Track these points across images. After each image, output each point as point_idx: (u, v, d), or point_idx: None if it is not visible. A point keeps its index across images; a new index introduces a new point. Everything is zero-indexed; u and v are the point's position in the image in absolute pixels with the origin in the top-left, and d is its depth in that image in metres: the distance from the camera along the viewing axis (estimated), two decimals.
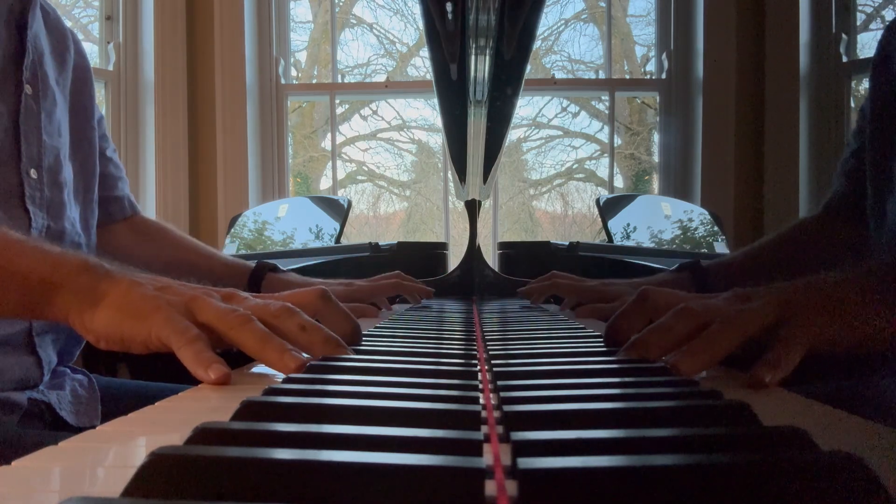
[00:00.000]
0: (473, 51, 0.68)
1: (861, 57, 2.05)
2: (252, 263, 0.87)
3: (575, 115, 2.51)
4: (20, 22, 0.68)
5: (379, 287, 0.89)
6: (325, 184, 2.46)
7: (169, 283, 0.48)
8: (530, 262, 1.25)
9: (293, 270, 0.95)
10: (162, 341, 0.43)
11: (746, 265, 0.87)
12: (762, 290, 0.47)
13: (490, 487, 0.20)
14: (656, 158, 2.38)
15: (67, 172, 0.73)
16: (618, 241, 1.60)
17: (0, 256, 0.47)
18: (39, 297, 0.47)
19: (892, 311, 0.44)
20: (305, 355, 0.43)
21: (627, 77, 2.46)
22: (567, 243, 1.27)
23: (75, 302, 0.46)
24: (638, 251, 1.50)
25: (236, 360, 0.47)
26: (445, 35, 0.63)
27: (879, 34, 0.81)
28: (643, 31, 2.45)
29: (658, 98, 2.33)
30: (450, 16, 0.60)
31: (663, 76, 2.28)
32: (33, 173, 0.67)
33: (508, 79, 0.76)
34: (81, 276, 0.47)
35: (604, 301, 0.81)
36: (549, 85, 2.37)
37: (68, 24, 0.82)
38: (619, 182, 2.40)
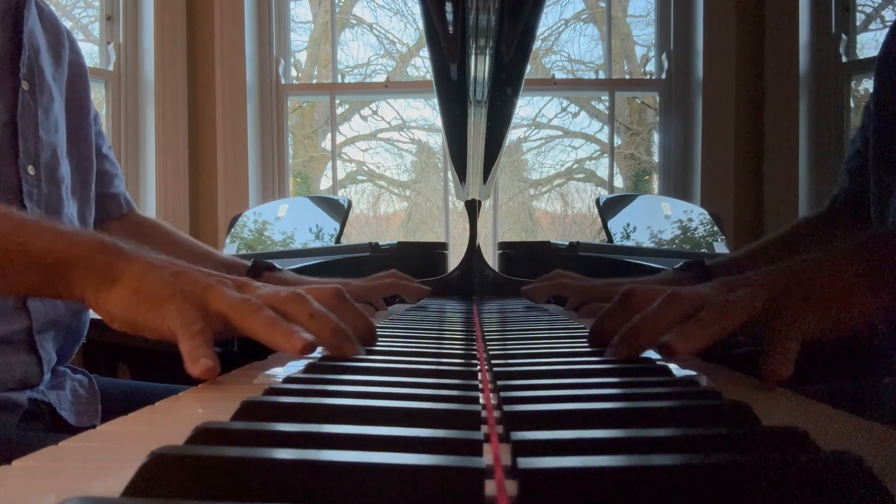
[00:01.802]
0: (473, 51, 0.68)
1: (861, 57, 2.05)
2: (248, 263, 0.87)
3: (575, 115, 2.51)
4: (16, 18, 0.68)
5: (375, 287, 0.88)
6: (325, 184, 2.46)
7: (185, 268, 0.47)
8: (530, 262, 1.25)
9: (293, 270, 0.95)
10: (172, 332, 0.43)
11: (751, 264, 0.86)
12: (746, 278, 0.47)
13: (490, 487, 0.20)
14: (656, 158, 2.38)
15: (65, 169, 0.73)
16: (618, 241, 1.60)
17: (16, 236, 0.47)
18: (56, 276, 0.47)
19: (878, 286, 0.44)
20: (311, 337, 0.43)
21: (627, 77, 2.46)
22: (567, 243, 1.27)
23: (91, 280, 0.46)
24: (638, 251, 1.50)
25: (237, 360, 0.47)
26: (445, 35, 0.62)
27: (880, 34, 0.81)
28: (643, 31, 2.45)
29: (658, 98, 2.33)
30: (450, 15, 0.60)
31: (663, 76, 2.28)
32: (31, 170, 0.67)
33: (508, 79, 0.76)
34: (97, 253, 0.47)
35: (608, 301, 0.80)
36: (549, 85, 2.37)
37: (68, 23, 0.82)
38: (619, 182, 2.40)
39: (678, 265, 0.87)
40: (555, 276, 0.91)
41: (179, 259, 0.48)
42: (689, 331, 0.41)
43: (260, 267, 0.86)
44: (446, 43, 0.64)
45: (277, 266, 0.87)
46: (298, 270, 1.08)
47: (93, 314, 0.81)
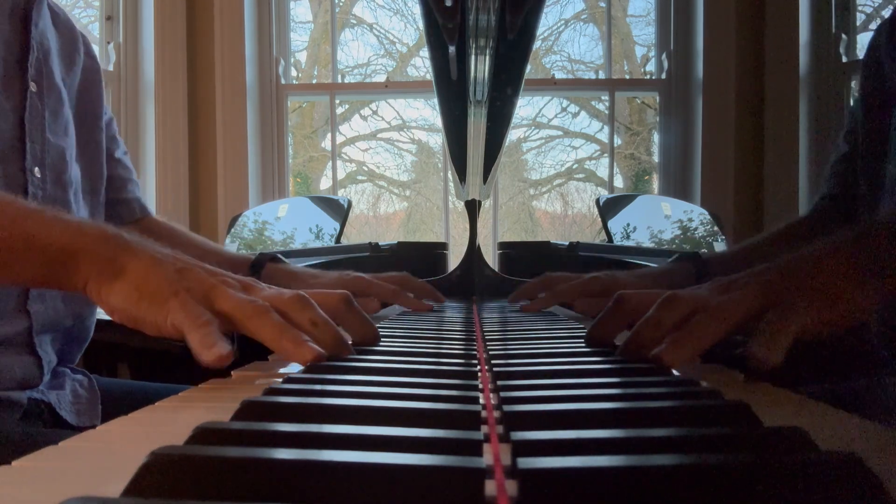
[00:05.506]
0: (473, 51, 0.68)
1: (861, 57, 2.05)
2: (254, 255, 0.86)
3: (575, 115, 2.51)
4: (24, 19, 0.68)
5: (377, 288, 0.81)
6: (325, 184, 2.46)
7: (190, 264, 0.47)
8: (530, 262, 1.25)
9: None
10: (175, 327, 0.43)
11: (748, 259, 0.85)
12: (742, 276, 0.46)
13: (490, 487, 0.20)
14: (656, 158, 2.38)
15: (73, 172, 0.73)
16: (618, 241, 1.60)
17: (19, 225, 0.47)
18: (58, 266, 0.47)
19: (875, 277, 0.44)
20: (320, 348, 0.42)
21: (627, 77, 2.46)
22: (567, 243, 1.27)
23: (94, 271, 0.46)
24: (638, 251, 1.50)
25: (236, 360, 0.46)
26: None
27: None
28: (643, 31, 2.45)
29: (658, 98, 2.33)
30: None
31: (663, 76, 2.28)
32: (37, 171, 0.67)
33: (508, 79, 0.76)
34: (101, 245, 0.46)
35: (607, 293, 0.78)
36: (549, 85, 2.37)
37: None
38: (619, 182, 2.40)
39: (673, 257, 0.86)
40: (545, 281, 0.84)
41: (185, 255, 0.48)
42: (681, 338, 0.41)
43: (264, 258, 0.84)
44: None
45: (282, 258, 0.85)
46: None
47: (99, 314, 0.81)
